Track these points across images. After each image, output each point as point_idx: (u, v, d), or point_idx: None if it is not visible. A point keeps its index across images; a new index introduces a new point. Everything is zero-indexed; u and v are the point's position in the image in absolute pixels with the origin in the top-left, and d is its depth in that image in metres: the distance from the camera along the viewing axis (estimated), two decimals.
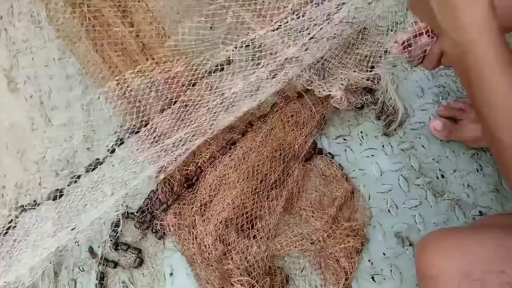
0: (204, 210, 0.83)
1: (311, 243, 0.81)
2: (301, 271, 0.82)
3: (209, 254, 0.78)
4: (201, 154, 0.89)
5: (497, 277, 0.58)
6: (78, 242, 0.83)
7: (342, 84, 0.89)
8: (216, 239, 0.79)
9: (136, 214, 0.85)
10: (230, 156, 0.88)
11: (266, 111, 0.95)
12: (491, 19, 0.52)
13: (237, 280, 0.76)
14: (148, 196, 0.87)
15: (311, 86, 0.89)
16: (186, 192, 0.85)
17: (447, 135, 0.92)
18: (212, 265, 0.77)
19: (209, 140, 0.89)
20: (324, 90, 0.87)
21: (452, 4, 0.52)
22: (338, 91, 0.84)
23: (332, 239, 0.82)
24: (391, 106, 0.95)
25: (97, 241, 0.85)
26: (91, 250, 0.84)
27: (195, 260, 0.79)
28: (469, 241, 0.65)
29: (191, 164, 0.89)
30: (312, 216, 0.85)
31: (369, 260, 0.83)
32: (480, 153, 0.91)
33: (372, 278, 0.81)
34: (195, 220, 0.82)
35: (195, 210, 0.83)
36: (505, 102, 0.51)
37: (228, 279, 0.77)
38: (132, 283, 0.81)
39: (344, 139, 0.94)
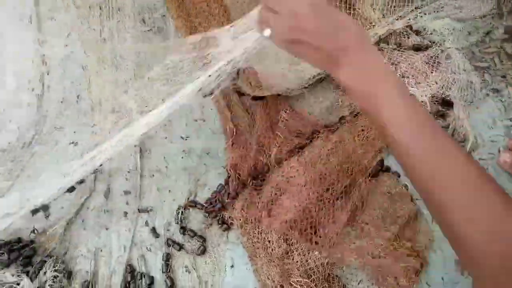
0: (270, 208, 0.86)
1: (372, 257, 0.82)
2: (358, 283, 0.83)
3: (272, 250, 0.81)
4: (269, 154, 0.93)
5: None
6: (147, 222, 0.88)
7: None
8: (280, 237, 0.82)
9: (204, 204, 0.89)
10: (298, 159, 0.91)
11: (333, 121, 0.97)
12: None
13: (297, 281, 0.79)
14: (217, 188, 0.91)
15: None
16: (252, 185, 0.88)
17: None
18: (274, 261, 0.80)
19: (277, 141, 0.93)
20: None
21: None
22: None
23: (393, 256, 0.83)
24: (461, 133, 0.95)
25: (161, 224, 0.89)
26: (153, 231, 0.88)
27: (257, 254, 0.82)
28: None
29: (259, 161, 0.92)
30: (374, 232, 0.86)
31: (427, 283, 0.83)
32: None
33: None
34: (261, 215, 0.85)
35: (262, 206, 0.86)
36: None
37: (287, 278, 0.79)
38: (194, 269, 0.85)
39: None
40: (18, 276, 0.81)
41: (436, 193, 0.46)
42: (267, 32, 0.56)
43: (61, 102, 1.01)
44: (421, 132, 0.47)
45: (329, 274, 0.81)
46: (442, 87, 0.97)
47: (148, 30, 1.05)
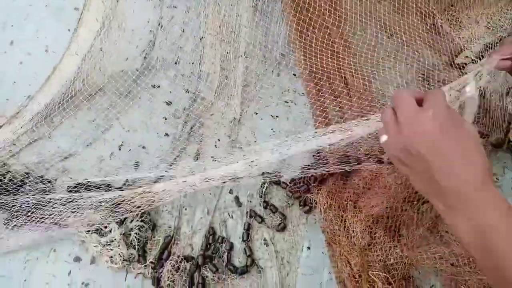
0: (357, 199, 0.88)
1: (451, 264, 0.83)
2: (431, 287, 0.84)
3: (355, 240, 0.82)
4: (359, 148, 0.94)
5: None
6: (232, 190, 0.91)
7: None
8: (365, 229, 0.84)
9: (288, 184, 0.91)
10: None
11: None
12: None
13: (376, 273, 0.80)
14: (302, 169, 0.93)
15: None
16: (340, 174, 0.90)
17: None
18: (356, 251, 0.82)
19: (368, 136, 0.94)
20: None
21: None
22: None
23: (469, 267, 0.84)
24: None
25: (244, 194, 0.92)
26: (237, 199, 0.91)
27: (338, 241, 0.84)
28: None
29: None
30: (454, 241, 0.87)
31: None
32: None
33: None
34: (346, 204, 0.86)
35: (348, 196, 0.87)
36: None
37: (367, 269, 0.81)
38: (272, 243, 0.87)
39: (497, 179, 0.95)
40: (106, 219, 0.84)
41: None
42: (383, 138, 0.53)
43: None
44: None
45: (406, 274, 0.82)
46: None
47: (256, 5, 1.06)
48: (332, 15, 1.00)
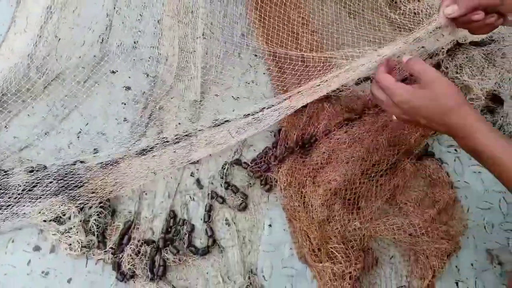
0: (315, 175, 0.88)
1: (409, 234, 0.85)
2: (390, 258, 0.86)
3: (314, 214, 0.83)
4: (318, 125, 0.94)
5: None
6: (193, 173, 0.90)
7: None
8: (323, 203, 0.84)
9: (249, 164, 0.91)
10: (345, 132, 0.93)
11: None
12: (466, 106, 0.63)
13: (334, 246, 0.81)
14: (263, 151, 0.93)
15: None
16: (299, 150, 0.90)
17: None
18: (314, 225, 0.83)
19: (327, 112, 0.94)
20: None
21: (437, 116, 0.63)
22: None
23: (427, 237, 0.86)
24: (508, 131, 0.97)
25: (205, 176, 0.92)
26: (198, 182, 0.91)
27: (298, 217, 0.85)
28: None
29: (307, 131, 0.94)
30: (412, 212, 0.88)
31: (456, 266, 0.86)
32: None
33: (456, 283, 0.85)
34: (306, 181, 0.87)
35: (307, 173, 0.88)
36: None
37: (326, 243, 0.82)
38: (234, 223, 0.87)
39: (456, 150, 0.97)
40: (65, 205, 0.83)
41: None
42: (393, 118, 0.69)
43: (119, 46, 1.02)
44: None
45: (365, 245, 0.83)
46: (495, 84, 0.98)
47: None
48: None
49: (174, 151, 0.87)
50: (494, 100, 0.99)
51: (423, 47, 0.88)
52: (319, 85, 0.89)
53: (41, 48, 0.97)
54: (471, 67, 0.98)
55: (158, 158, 0.88)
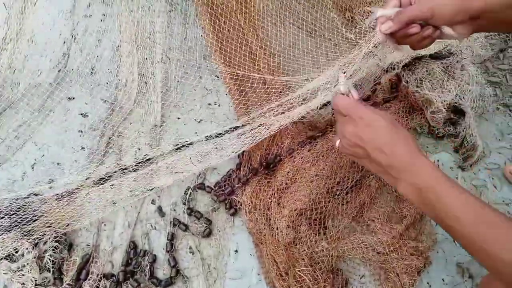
0: (280, 196, 0.86)
1: (377, 252, 0.83)
2: (360, 278, 0.84)
3: (280, 237, 0.81)
4: (282, 145, 0.93)
5: None
6: (154, 201, 0.87)
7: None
8: (289, 225, 0.82)
9: (213, 188, 0.89)
10: (309, 150, 0.91)
11: None
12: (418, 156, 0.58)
13: (302, 270, 0.79)
14: (227, 173, 0.91)
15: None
16: (263, 171, 0.88)
17: None
18: (281, 248, 0.80)
19: (290, 132, 0.93)
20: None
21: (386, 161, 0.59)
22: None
23: (396, 254, 0.84)
24: (471, 142, 0.97)
25: (167, 203, 0.88)
26: (160, 209, 0.88)
27: (264, 241, 0.82)
28: None
29: (271, 151, 0.92)
30: (380, 229, 0.87)
31: (427, 283, 0.84)
32: None
33: None
34: (271, 202, 0.85)
35: (272, 194, 0.86)
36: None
37: (293, 266, 0.79)
38: (198, 250, 0.84)
39: None
40: (18, 241, 0.79)
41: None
42: (337, 143, 0.66)
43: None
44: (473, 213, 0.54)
45: (333, 266, 0.81)
46: (456, 96, 0.99)
47: (170, 11, 1.04)
48: (244, 14, 0.99)
49: (134, 180, 0.84)
50: (456, 112, 0.99)
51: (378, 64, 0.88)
52: (282, 105, 0.88)
53: None
54: (431, 80, 0.98)
55: (117, 188, 0.84)
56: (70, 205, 0.84)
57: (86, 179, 0.87)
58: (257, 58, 1.00)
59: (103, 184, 0.85)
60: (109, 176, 0.85)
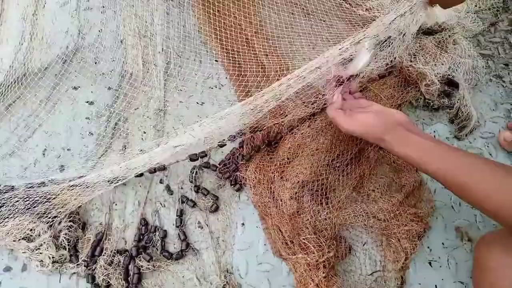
0: (283, 170, 0.90)
1: (379, 219, 0.86)
2: (363, 245, 0.87)
3: (284, 208, 0.84)
4: (282, 122, 0.96)
5: None
6: (162, 180, 0.91)
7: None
8: (292, 197, 0.86)
9: (218, 165, 0.92)
10: (309, 126, 0.95)
11: None
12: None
13: (306, 238, 0.82)
14: (230, 152, 0.94)
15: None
16: (265, 148, 0.91)
17: None
18: (285, 219, 0.84)
19: (290, 109, 0.96)
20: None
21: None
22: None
23: (397, 220, 0.87)
24: (465, 112, 1.00)
25: (175, 182, 0.92)
26: (168, 188, 0.91)
27: (269, 213, 0.86)
28: None
29: (272, 129, 0.95)
30: (380, 198, 0.90)
31: (428, 247, 0.87)
32: None
33: (429, 263, 0.86)
34: (274, 177, 0.88)
35: (275, 169, 0.89)
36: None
37: (297, 235, 0.83)
38: (207, 225, 0.88)
39: None
40: (33, 223, 0.83)
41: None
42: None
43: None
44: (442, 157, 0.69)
45: (336, 234, 0.85)
46: (449, 69, 1.02)
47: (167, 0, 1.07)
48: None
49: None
50: (450, 84, 1.03)
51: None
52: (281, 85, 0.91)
53: (9, 76, 0.97)
54: (424, 55, 1.01)
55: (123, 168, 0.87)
56: (81, 186, 0.87)
57: (94, 166, 0.90)
58: (252, 43, 1.03)
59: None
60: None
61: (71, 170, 0.90)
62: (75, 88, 1.01)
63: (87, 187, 0.86)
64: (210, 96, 1.03)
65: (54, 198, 0.85)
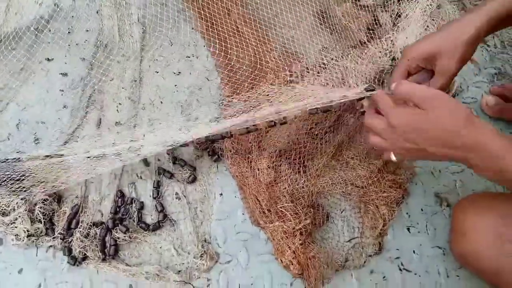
0: (260, 140, 0.88)
1: (356, 186, 0.86)
2: (341, 212, 0.87)
3: (261, 177, 0.83)
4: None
5: None
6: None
7: None
8: (269, 166, 0.85)
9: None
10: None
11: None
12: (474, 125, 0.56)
13: (284, 206, 0.82)
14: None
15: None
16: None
17: (497, 112, 0.95)
18: (262, 188, 0.83)
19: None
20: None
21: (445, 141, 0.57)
22: None
23: (375, 187, 0.87)
24: None
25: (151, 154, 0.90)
26: (145, 161, 0.90)
27: (246, 183, 0.85)
28: (504, 205, 0.69)
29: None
30: (359, 165, 0.89)
31: (407, 213, 0.87)
32: None
33: (408, 229, 0.86)
34: (251, 146, 0.87)
35: (252, 138, 0.88)
36: None
37: (275, 203, 0.82)
38: (184, 196, 0.87)
39: None
40: (8, 196, 0.82)
41: None
42: (392, 157, 0.64)
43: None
44: None
45: (314, 202, 0.84)
46: None
47: None
48: None
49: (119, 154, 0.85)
50: None
51: None
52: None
53: None
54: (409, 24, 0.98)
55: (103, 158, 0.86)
56: (58, 166, 0.85)
57: (69, 139, 0.89)
58: (233, 10, 1.00)
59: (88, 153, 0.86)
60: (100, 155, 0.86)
61: (46, 144, 0.88)
62: (48, 59, 0.98)
63: (63, 169, 0.84)
64: (187, 66, 1.00)
65: (29, 176, 0.84)
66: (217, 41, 0.96)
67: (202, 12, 0.98)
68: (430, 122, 0.56)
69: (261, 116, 0.77)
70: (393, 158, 0.63)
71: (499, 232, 0.65)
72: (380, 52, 0.94)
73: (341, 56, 0.95)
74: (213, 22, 0.96)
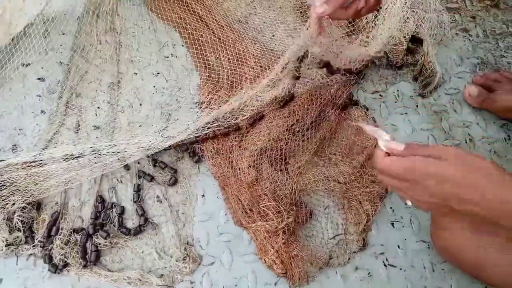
0: (241, 139, 0.87)
1: (338, 183, 0.85)
2: (325, 209, 0.86)
3: (242, 177, 0.82)
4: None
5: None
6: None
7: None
8: (250, 165, 0.84)
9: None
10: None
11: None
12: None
13: (266, 205, 0.81)
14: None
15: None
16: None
17: (480, 103, 0.94)
18: (244, 187, 0.82)
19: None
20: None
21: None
22: None
23: (358, 182, 0.86)
24: (429, 69, 0.97)
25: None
26: (124, 164, 0.88)
27: (228, 183, 0.84)
28: None
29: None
30: (341, 161, 0.88)
31: (390, 208, 0.87)
32: (510, 124, 0.94)
33: (392, 224, 0.85)
34: (232, 146, 0.86)
35: (233, 138, 0.87)
36: None
37: (257, 203, 0.81)
38: (166, 199, 0.86)
39: (380, 95, 0.97)
40: None
41: None
42: (409, 203, 0.62)
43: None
44: None
45: (296, 200, 0.83)
46: (414, 25, 0.98)
47: None
48: None
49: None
50: (413, 41, 0.99)
51: None
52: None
53: None
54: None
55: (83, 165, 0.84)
56: (39, 175, 0.84)
57: (47, 145, 0.87)
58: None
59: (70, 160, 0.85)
60: (76, 157, 0.85)
61: (25, 151, 0.87)
62: (23, 64, 0.97)
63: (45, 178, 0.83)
64: (166, 66, 0.98)
65: (10, 186, 0.82)
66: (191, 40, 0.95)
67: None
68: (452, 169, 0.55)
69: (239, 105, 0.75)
70: (409, 203, 0.63)
71: (476, 224, 0.64)
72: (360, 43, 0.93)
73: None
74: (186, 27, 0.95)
